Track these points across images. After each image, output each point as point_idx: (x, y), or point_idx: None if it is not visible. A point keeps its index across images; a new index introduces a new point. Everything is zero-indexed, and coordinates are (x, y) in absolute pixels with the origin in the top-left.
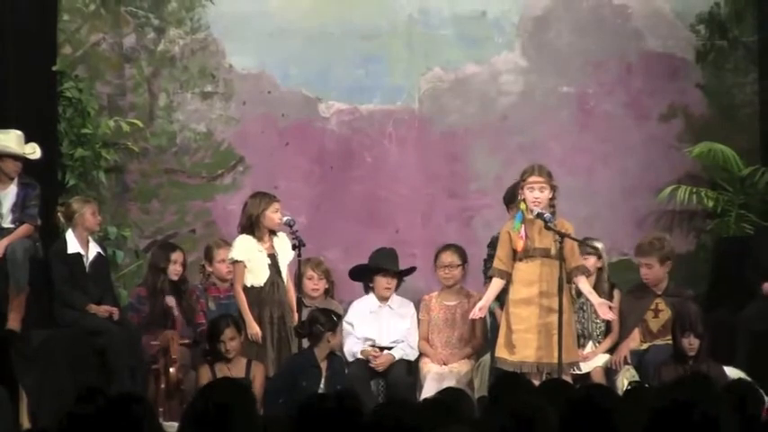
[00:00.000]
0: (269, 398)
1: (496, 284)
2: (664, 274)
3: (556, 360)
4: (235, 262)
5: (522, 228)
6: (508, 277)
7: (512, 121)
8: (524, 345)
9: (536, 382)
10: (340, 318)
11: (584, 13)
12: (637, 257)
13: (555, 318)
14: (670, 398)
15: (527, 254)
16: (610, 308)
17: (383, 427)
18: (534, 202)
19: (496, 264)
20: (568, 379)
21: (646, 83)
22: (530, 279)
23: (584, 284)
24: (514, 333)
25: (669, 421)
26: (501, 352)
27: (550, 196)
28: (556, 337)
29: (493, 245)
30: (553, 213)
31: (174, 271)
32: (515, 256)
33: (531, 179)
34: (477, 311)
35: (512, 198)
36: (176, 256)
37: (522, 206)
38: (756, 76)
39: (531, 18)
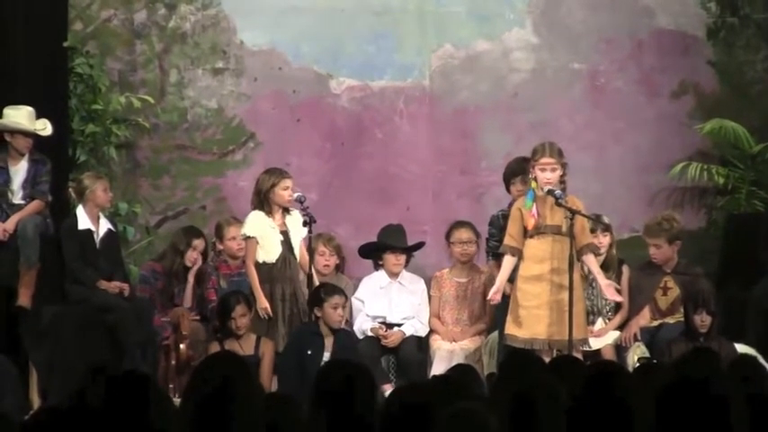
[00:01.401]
0: (282, 374)
1: (508, 262)
2: (672, 254)
3: (567, 337)
4: (247, 238)
5: (534, 206)
6: (519, 254)
7: (523, 98)
8: (535, 321)
9: (547, 359)
10: (332, 293)
11: None
12: (645, 238)
13: (566, 295)
14: (678, 374)
15: (538, 231)
16: (617, 290)
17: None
18: (545, 182)
19: (507, 241)
20: (579, 356)
21: (657, 60)
22: (541, 256)
23: (593, 263)
24: (524, 309)
25: (678, 398)
26: (510, 329)
27: (561, 173)
28: (567, 314)
29: (493, 223)
30: (563, 190)
31: (191, 258)
32: (526, 233)
33: (543, 160)
34: (494, 295)
35: (511, 175)
36: (198, 243)
37: (533, 184)
38: (767, 53)
39: None
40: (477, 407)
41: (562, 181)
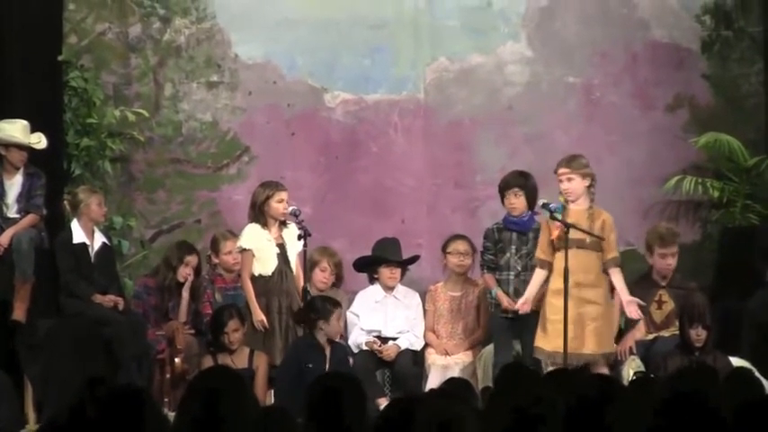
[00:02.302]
0: (279, 387)
1: (538, 275)
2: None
3: (589, 351)
4: (243, 250)
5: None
6: (549, 267)
7: (517, 111)
8: (558, 335)
9: None
10: (338, 306)
11: (589, 4)
12: (657, 248)
13: (589, 308)
14: (674, 389)
15: (561, 244)
16: (640, 306)
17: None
18: (564, 192)
19: (537, 253)
20: (605, 370)
21: (651, 73)
22: (563, 269)
23: (617, 278)
24: (550, 323)
25: (674, 413)
26: (539, 341)
27: (587, 184)
28: (590, 328)
29: (488, 237)
30: (592, 200)
31: (184, 273)
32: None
33: (559, 171)
34: (522, 306)
35: (504, 188)
36: (190, 259)
37: (561, 197)
38: (762, 66)
39: (536, 8)
40: (458, 410)
41: (591, 192)
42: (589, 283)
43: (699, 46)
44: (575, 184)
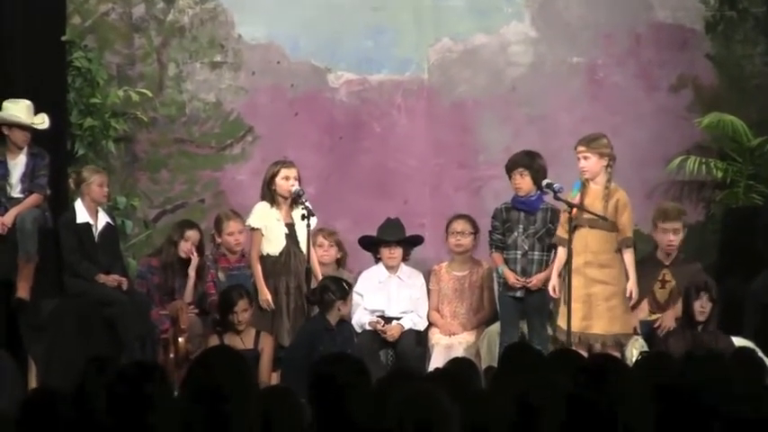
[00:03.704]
0: (287, 368)
1: (559, 253)
2: (681, 243)
3: (601, 331)
4: (252, 229)
5: (578, 195)
6: (568, 244)
7: (521, 92)
8: (572, 314)
9: (584, 353)
10: (351, 287)
11: None
12: (661, 223)
13: (601, 288)
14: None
15: (578, 222)
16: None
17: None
18: (581, 171)
19: (558, 231)
20: (615, 352)
21: (655, 54)
22: (576, 248)
23: (629, 258)
24: (565, 303)
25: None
26: (560, 320)
27: (604, 164)
28: (600, 308)
29: (496, 216)
30: (609, 180)
31: (185, 248)
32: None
33: (576, 150)
34: (552, 290)
35: (512, 166)
36: (191, 233)
37: (581, 176)
38: (766, 46)
39: None
40: (430, 387)
41: (608, 171)
42: (600, 263)
43: (703, 26)
44: (591, 163)
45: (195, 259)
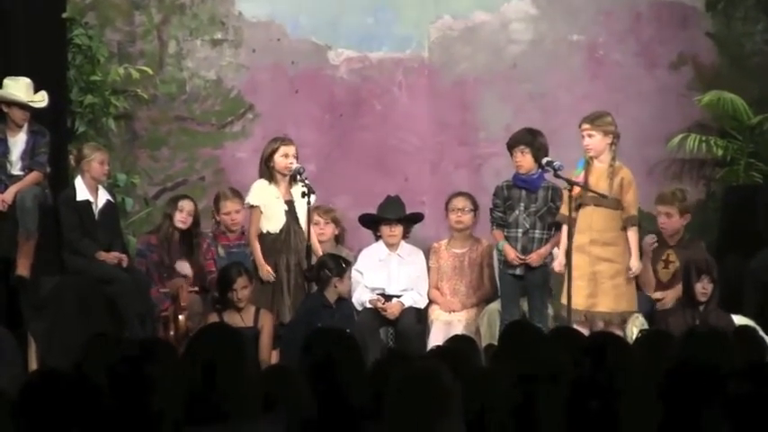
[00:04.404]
0: (287, 345)
1: (563, 231)
2: (681, 227)
3: (607, 309)
4: (251, 207)
5: (582, 173)
6: (573, 222)
7: (522, 69)
8: (575, 292)
9: (585, 331)
10: (349, 264)
11: None
12: (657, 206)
13: (605, 266)
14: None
15: (582, 200)
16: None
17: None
18: (585, 149)
19: (562, 209)
20: (619, 331)
21: (656, 31)
22: (581, 227)
23: (633, 237)
24: (572, 280)
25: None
26: (563, 298)
27: (609, 141)
28: (605, 286)
29: (497, 194)
30: (613, 158)
31: (181, 219)
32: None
33: (581, 127)
34: (557, 266)
35: (513, 144)
36: (183, 204)
37: (585, 154)
38: (766, 24)
39: None
40: (432, 364)
41: (612, 149)
42: (605, 241)
43: (703, 4)
44: (595, 141)
45: (187, 225)
